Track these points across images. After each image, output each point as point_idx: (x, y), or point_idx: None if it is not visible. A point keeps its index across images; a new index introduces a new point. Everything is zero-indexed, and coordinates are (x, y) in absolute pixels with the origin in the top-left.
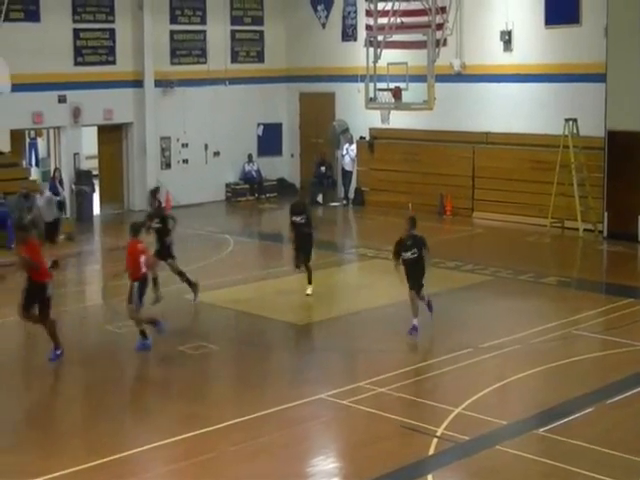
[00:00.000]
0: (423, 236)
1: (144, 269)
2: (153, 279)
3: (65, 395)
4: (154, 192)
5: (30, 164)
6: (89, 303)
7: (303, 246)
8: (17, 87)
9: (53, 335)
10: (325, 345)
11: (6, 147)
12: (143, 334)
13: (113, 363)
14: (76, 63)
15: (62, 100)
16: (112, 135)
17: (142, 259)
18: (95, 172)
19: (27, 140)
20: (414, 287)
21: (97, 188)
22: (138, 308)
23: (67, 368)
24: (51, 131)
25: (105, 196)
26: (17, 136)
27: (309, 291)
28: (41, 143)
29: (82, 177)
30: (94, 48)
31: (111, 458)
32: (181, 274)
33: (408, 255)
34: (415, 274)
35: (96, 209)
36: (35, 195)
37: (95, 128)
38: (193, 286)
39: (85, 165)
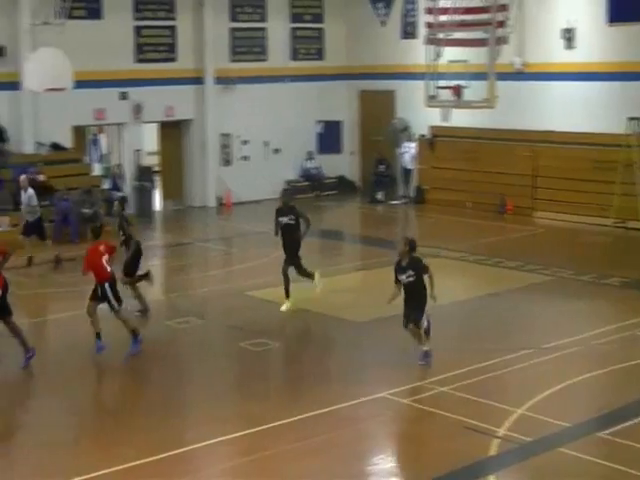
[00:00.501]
0: (424, 260)
1: (109, 269)
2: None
3: (125, 391)
4: (122, 202)
5: (92, 160)
6: (148, 298)
7: (289, 250)
8: (79, 84)
9: None
10: (385, 343)
11: (69, 143)
12: (134, 334)
13: (173, 359)
14: (137, 60)
15: (123, 97)
16: (173, 132)
17: (104, 260)
18: (156, 168)
19: (89, 136)
20: (411, 320)
21: (158, 184)
22: (119, 308)
23: (128, 364)
24: (113, 127)
25: (166, 192)
26: (79, 132)
27: (284, 307)
28: (103, 139)
29: (143, 173)
30: (155, 45)
31: (169, 454)
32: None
33: (404, 278)
34: (412, 302)
35: (157, 205)
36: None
37: (156, 125)
38: (146, 277)
39: (146, 161)
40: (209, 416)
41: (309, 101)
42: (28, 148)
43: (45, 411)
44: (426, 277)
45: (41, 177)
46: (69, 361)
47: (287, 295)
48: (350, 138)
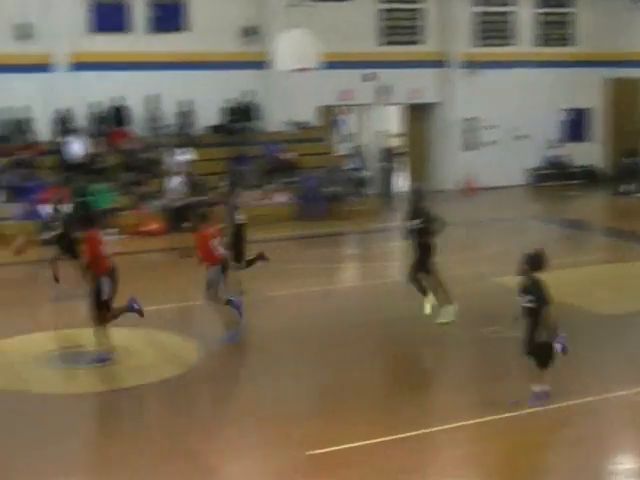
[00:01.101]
0: (545, 285)
1: (219, 252)
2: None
3: (365, 369)
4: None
5: (338, 140)
6: (390, 279)
7: (418, 257)
8: (326, 65)
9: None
10: (635, 338)
11: (314, 122)
12: (230, 324)
13: (412, 341)
14: (382, 43)
15: (370, 78)
16: (418, 114)
17: (214, 243)
18: (400, 150)
19: (335, 117)
20: (530, 352)
21: (403, 166)
22: (216, 291)
23: (366, 343)
24: (359, 108)
25: (413, 174)
26: (325, 112)
27: (428, 309)
28: (349, 120)
29: (386, 155)
30: (400, 28)
31: (406, 435)
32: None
33: (522, 301)
34: (531, 332)
35: (402, 187)
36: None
37: (398, 107)
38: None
39: (390, 143)
40: (449, 399)
41: (555, 88)
42: (275, 126)
43: (287, 386)
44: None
45: (288, 155)
46: (309, 337)
47: (425, 293)
48: (597, 127)
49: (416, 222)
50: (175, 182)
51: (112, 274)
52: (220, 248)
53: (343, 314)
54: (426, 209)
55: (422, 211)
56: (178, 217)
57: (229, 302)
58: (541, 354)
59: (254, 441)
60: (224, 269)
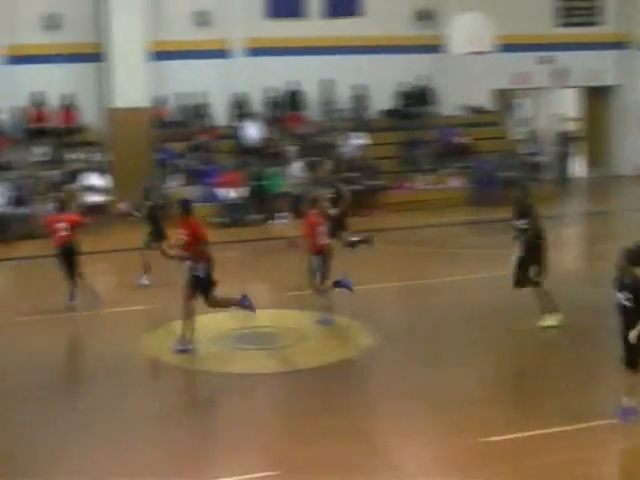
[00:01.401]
0: None
1: (322, 241)
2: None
3: (539, 356)
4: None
5: (514, 124)
6: (562, 267)
7: (527, 259)
8: (500, 48)
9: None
10: None
11: (489, 106)
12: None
13: (587, 330)
14: (559, 24)
15: (544, 62)
16: (596, 98)
17: (321, 230)
18: (577, 134)
19: (510, 100)
20: (629, 357)
21: (580, 151)
22: (320, 281)
23: (538, 330)
24: (535, 92)
25: (591, 159)
26: (500, 96)
27: (548, 322)
28: (524, 103)
29: (563, 139)
30: (577, 9)
31: (585, 425)
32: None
33: (620, 298)
34: (627, 331)
35: (576, 172)
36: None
37: (574, 90)
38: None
39: (567, 127)
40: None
41: None
42: (450, 110)
43: (460, 371)
44: None
45: (463, 139)
46: (482, 323)
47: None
48: None
49: (521, 222)
50: (295, 168)
51: (208, 263)
52: (325, 237)
53: (517, 301)
54: (533, 208)
55: (528, 210)
56: (297, 205)
57: (337, 284)
58: (634, 357)
59: (425, 426)
60: (324, 259)
